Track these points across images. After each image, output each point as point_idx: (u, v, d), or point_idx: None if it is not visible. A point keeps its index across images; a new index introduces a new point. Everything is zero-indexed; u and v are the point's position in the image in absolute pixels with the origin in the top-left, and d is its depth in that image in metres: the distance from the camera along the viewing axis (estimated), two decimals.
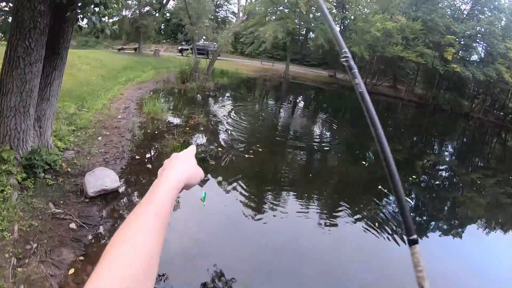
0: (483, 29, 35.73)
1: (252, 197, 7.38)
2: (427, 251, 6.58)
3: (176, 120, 12.11)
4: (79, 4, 5.35)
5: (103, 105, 11.39)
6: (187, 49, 32.15)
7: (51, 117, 6.54)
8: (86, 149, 7.50)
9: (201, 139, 10.43)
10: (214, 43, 24.19)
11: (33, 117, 5.83)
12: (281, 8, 36.79)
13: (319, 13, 37.10)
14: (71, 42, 6.68)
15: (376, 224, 7.31)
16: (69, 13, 5.48)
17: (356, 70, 1.98)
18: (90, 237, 4.88)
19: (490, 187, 13.14)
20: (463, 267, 6.49)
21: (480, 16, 37.11)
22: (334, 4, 37.15)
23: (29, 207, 4.99)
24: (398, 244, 6.51)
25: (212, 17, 28.88)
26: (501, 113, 42.57)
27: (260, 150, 10.00)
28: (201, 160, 8.14)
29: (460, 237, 7.95)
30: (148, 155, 8.28)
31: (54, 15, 5.53)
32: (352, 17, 37.44)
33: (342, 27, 43.94)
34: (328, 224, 6.97)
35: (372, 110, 1.76)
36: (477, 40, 38.13)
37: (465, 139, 27.41)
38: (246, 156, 9.35)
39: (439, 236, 7.47)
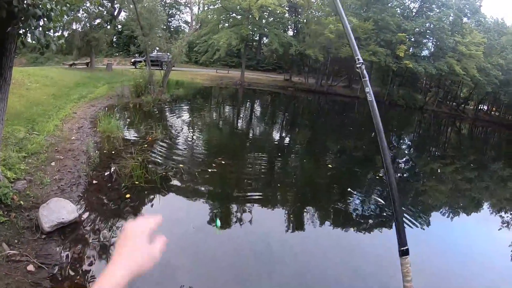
0: (432, 26, 37.51)
1: (220, 211, 7.16)
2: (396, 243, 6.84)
3: (133, 137, 11.54)
4: (22, 18, 4.81)
5: (55, 127, 10.64)
6: (141, 61, 31.27)
7: None
8: (39, 177, 6.95)
9: (160, 156, 9.97)
10: (168, 53, 23.57)
11: None
12: (233, 15, 36.86)
13: (271, 18, 37.50)
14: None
15: (349, 222, 7.58)
16: (10, 28, 4.94)
17: (367, 79, 1.85)
18: (50, 279, 4.35)
19: (449, 174, 13.81)
20: (433, 251, 6.72)
21: (429, 13, 38.94)
22: (287, 9, 37.61)
23: None
24: (370, 240, 6.88)
25: (165, 27, 28.20)
26: (454, 103, 45.14)
27: (223, 162, 9.72)
28: (162, 179, 7.83)
29: (428, 224, 8.20)
30: (106, 179, 7.79)
31: None
32: (305, 20, 38.02)
33: (295, 31, 44.64)
34: (298, 227, 7.10)
35: (378, 120, 1.65)
36: (427, 36, 40.08)
37: (421, 131, 28.69)
38: (209, 170, 9.00)
39: (407, 226, 7.59)
